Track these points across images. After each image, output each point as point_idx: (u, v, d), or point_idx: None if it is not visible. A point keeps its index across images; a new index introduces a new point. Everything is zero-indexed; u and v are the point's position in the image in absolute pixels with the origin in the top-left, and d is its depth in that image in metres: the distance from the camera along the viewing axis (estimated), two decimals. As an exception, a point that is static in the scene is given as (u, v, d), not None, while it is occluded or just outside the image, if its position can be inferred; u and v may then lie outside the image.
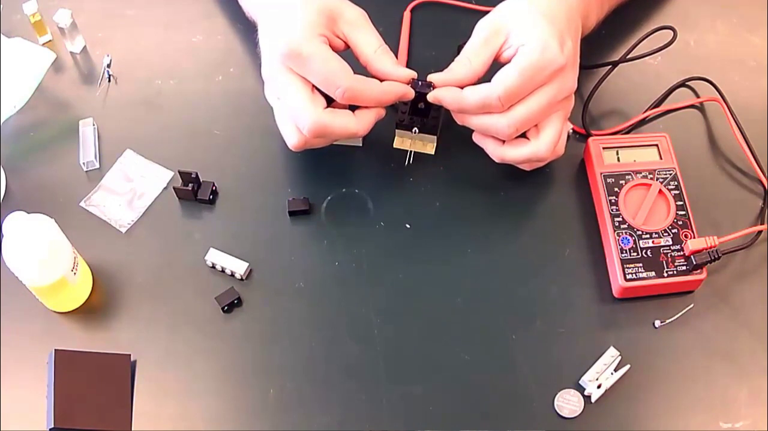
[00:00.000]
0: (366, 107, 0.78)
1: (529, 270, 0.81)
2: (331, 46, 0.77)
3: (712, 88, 0.88)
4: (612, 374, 0.75)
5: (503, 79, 0.75)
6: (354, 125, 0.78)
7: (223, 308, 0.79)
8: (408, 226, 0.82)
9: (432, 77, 0.79)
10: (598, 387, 0.75)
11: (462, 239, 0.78)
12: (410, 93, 0.78)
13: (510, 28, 0.77)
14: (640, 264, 0.78)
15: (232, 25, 0.95)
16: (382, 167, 0.85)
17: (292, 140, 0.79)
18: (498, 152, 0.80)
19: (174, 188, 0.84)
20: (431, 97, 0.78)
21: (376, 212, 0.83)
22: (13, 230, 0.72)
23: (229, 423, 0.75)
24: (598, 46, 0.92)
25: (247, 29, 0.90)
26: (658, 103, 0.89)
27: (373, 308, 0.79)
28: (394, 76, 0.78)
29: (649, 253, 0.78)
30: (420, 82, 0.79)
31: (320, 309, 0.79)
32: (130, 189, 0.85)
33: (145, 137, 0.88)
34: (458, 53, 0.79)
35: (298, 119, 0.77)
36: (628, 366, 0.76)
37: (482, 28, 0.78)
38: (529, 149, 0.78)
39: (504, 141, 0.79)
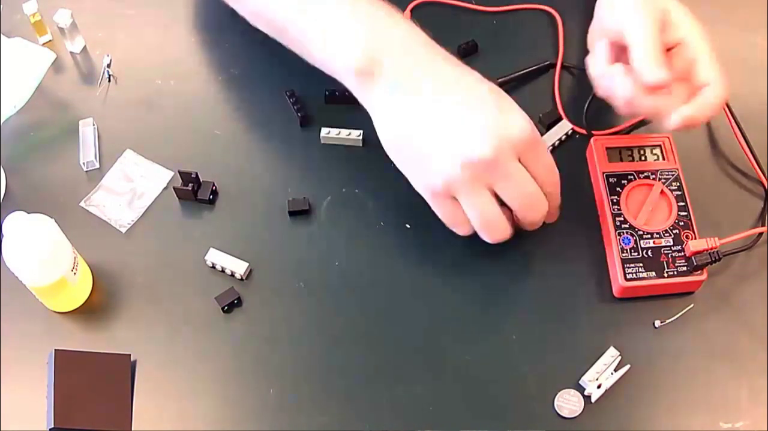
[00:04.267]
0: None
1: (529, 270, 0.81)
2: None
3: (713, 88, 0.88)
4: (612, 374, 0.75)
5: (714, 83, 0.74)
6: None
7: (223, 309, 0.79)
8: (408, 226, 0.82)
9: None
10: (598, 387, 0.75)
11: (462, 239, 0.77)
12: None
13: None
14: (641, 264, 0.78)
15: (233, 25, 0.95)
16: (382, 167, 0.85)
17: (498, 235, 0.75)
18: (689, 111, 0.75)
19: (174, 188, 0.84)
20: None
21: (376, 212, 0.83)
22: (13, 230, 0.72)
23: (229, 423, 0.75)
24: (599, 47, 0.92)
25: (247, 29, 0.90)
26: (658, 103, 0.89)
27: (373, 308, 0.79)
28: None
29: (649, 253, 0.78)
30: None
31: (320, 309, 0.79)
32: (130, 189, 0.85)
33: (145, 137, 0.88)
34: (459, 53, 0.79)
35: (534, 208, 0.75)
36: (628, 366, 0.76)
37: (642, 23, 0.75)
38: (713, 92, 0.75)
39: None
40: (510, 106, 0.73)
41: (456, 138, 0.71)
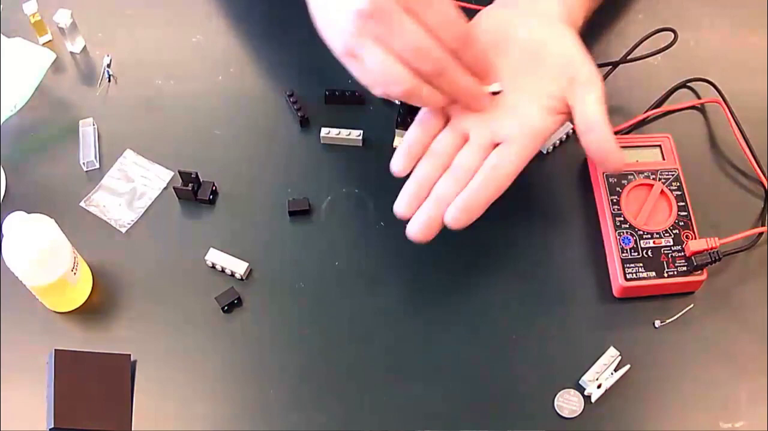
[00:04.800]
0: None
1: (529, 269, 0.81)
2: None
3: (713, 89, 0.88)
4: (612, 374, 0.75)
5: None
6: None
7: (223, 309, 0.79)
8: (408, 226, 0.82)
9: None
10: (598, 387, 0.75)
11: (462, 238, 0.77)
12: None
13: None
14: (641, 264, 0.78)
15: (232, 25, 0.95)
16: (382, 167, 0.85)
17: (401, 85, 0.71)
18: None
19: (174, 188, 0.84)
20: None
21: (376, 212, 0.83)
22: (13, 230, 0.72)
23: (229, 423, 0.75)
24: (599, 46, 0.92)
25: (247, 29, 0.90)
26: (658, 104, 0.89)
27: (373, 308, 0.79)
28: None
29: (649, 253, 0.78)
30: None
31: (320, 309, 0.79)
32: (130, 189, 0.85)
33: (145, 137, 0.88)
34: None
35: (420, 56, 0.70)
36: (628, 366, 0.76)
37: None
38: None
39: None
40: None
41: None
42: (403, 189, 0.75)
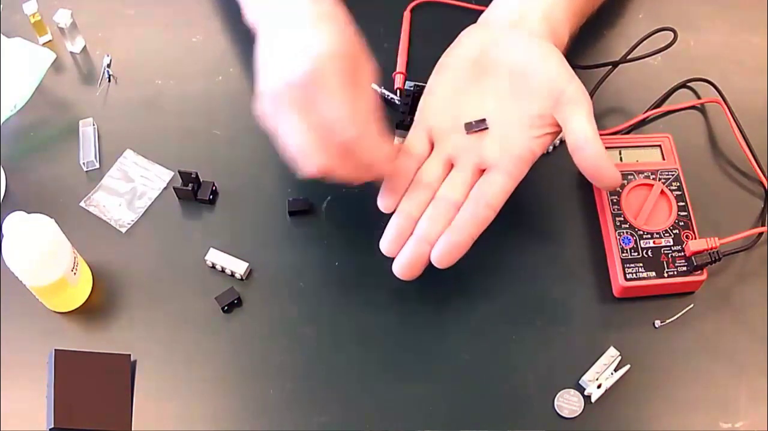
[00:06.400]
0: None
1: (529, 270, 0.81)
2: None
3: (713, 89, 0.88)
4: (612, 374, 0.75)
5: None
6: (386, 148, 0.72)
7: (223, 309, 0.79)
8: (408, 226, 0.82)
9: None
10: (598, 387, 0.75)
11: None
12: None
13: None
14: (641, 264, 0.78)
15: (232, 25, 0.95)
16: (383, 167, 0.85)
17: (318, 159, 0.70)
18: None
19: (174, 188, 0.84)
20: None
21: (376, 212, 0.83)
22: (13, 230, 0.72)
23: (229, 423, 0.75)
24: (598, 46, 0.92)
25: (247, 29, 0.90)
26: (658, 104, 0.89)
27: (373, 309, 0.79)
28: None
29: (649, 253, 0.78)
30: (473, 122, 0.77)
31: (320, 309, 0.79)
32: (130, 189, 0.85)
33: (145, 137, 0.88)
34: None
35: (334, 128, 0.68)
36: (628, 366, 0.76)
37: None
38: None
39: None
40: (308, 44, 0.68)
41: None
42: (388, 225, 0.75)
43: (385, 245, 0.75)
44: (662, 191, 0.81)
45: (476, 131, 0.76)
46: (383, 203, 0.76)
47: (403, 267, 0.74)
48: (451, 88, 0.78)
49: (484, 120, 0.76)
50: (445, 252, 0.73)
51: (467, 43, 0.79)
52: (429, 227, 0.74)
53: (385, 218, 0.83)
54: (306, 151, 0.70)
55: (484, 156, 0.75)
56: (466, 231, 0.74)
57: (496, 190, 0.74)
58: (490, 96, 0.77)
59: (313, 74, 0.68)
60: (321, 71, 0.68)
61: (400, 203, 0.76)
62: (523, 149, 0.75)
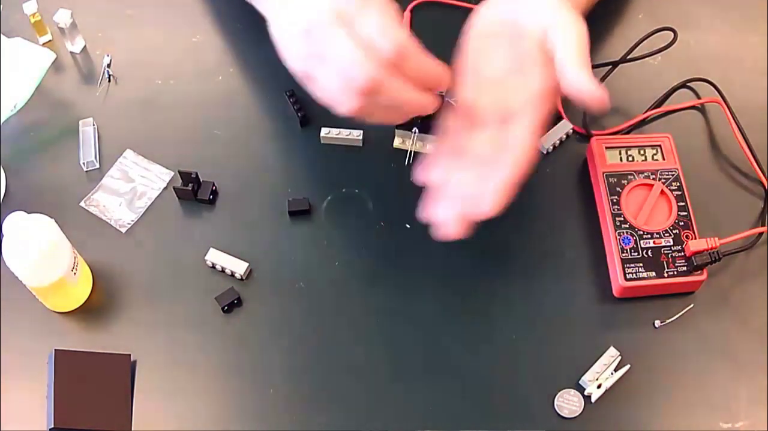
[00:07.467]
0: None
1: (529, 270, 0.81)
2: None
3: (713, 89, 0.88)
4: (612, 374, 0.75)
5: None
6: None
7: (223, 309, 0.79)
8: (408, 226, 0.82)
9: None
10: (598, 387, 0.75)
11: (462, 238, 0.78)
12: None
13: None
14: (641, 264, 0.78)
15: (232, 25, 0.95)
16: (382, 167, 0.85)
17: (348, 104, 0.69)
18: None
19: (174, 188, 0.84)
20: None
21: (376, 212, 0.83)
22: (13, 230, 0.72)
23: (229, 423, 0.75)
24: (598, 46, 0.92)
25: (247, 29, 0.90)
26: (658, 103, 0.89)
27: (373, 308, 0.79)
28: None
29: (649, 253, 0.78)
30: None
31: (320, 309, 0.79)
32: (130, 189, 0.85)
33: (145, 137, 0.88)
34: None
35: (352, 72, 0.67)
36: (628, 366, 0.76)
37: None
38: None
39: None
40: None
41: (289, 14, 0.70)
42: (426, 192, 0.74)
43: (428, 210, 0.73)
44: (662, 191, 0.81)
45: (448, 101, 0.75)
46: (421, 173, 0.74)
47: (451, 223, 0.72)
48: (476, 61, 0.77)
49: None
50: (495, 195, 0.71)
51: (485, 14, 0.77)
52: (470, 184, 0.73)
53: (384, 217, 0.83)
54: (355, 66, 0.67)
55: (507, 106, 0.73)
56: (509, 174, 0.71)
57: (524, 134, 0.72)
58: (513, 63, 0.75)
59: None
60: None
61: (434, 170, 0.75)
62: (541, 86, 0.73)
